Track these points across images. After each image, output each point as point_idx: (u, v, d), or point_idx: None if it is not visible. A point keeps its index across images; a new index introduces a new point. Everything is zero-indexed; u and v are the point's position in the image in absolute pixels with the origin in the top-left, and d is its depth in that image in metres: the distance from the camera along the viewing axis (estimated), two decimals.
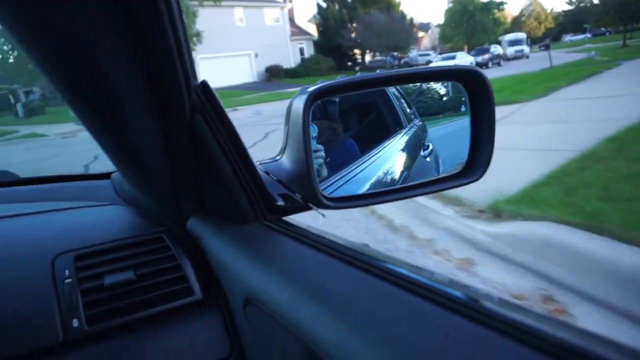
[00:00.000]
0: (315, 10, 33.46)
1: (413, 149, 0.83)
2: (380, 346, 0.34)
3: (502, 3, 32.66)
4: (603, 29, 50.91)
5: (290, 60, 29.98)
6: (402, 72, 0.69)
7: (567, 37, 56.31)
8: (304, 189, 0.62)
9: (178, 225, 0.73)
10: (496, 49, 29.72)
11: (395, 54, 33.65)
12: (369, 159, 0.75)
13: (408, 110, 0.83)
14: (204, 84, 0.58)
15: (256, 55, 28.29)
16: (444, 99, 0.76)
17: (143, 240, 0.67)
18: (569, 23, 62.31)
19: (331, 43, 30.93)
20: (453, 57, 25.44)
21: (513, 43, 31.07)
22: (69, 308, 0.56)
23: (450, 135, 0.75)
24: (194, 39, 22.48)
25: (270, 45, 28.53)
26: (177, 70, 0.50)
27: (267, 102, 18.36)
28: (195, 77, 0.55)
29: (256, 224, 0.63)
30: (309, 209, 0.65)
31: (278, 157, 0.69)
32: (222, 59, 26.74)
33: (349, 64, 34.31)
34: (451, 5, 34.20)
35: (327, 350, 0.38)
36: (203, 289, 0.64)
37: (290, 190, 0.65)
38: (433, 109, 0.78)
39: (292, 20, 31.87)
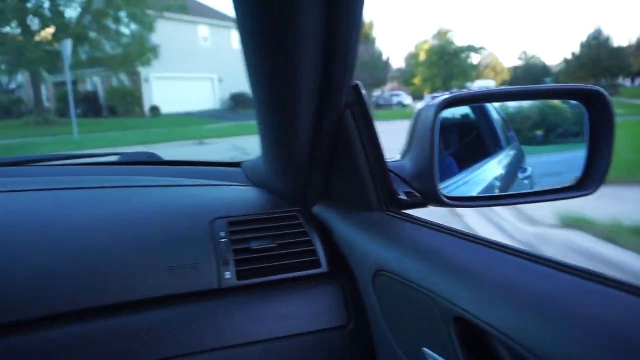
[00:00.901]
0: None
1: (512, 170, 0.85)
2: (521, 312, 0.41)
3: (481, 48, 31.67)
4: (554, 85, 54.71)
5: None
6: (523, 89, 0.75)
7: None
8: (426, 187, 0.70)
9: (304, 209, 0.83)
10: None
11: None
12: (468, 175, 0.80)
13: (508, 133, 0.85)
14: (357, 84, 0.67)
15: (220, 81, 24.77)
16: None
17: (281, 216, 0.77)
18: (519, 77, 64.80)
19: None
20: None
21: None
22: (223, 262, 0.68)
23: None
24: (150, 54, 18.77)
25: (237, 71, 25.15)
26: (348, 69, 0.60)
27: (239, 135, 14.73)
28: (354, 76, 0.63)
29: (379, 212, 0.71)
30: (426, 205, 0.72)
31: (400, 158, 0.76)
32: (181, 80, 22.99)
33: None
34: (427, 46, 32.92)
35: (470, 309, 0.45)
36: (329, 264, 0.72)
37: (411, 188, 0.72)
38: None
39: None
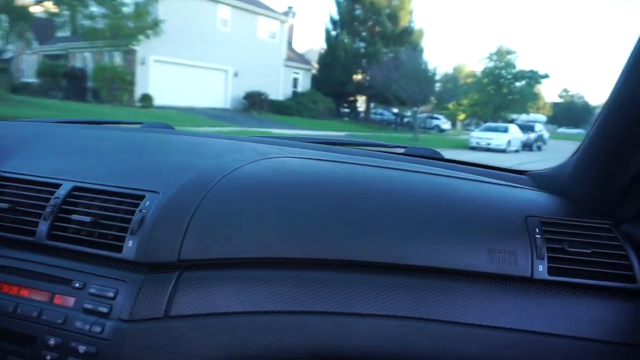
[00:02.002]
0: (312, 44, 25.93)
1: None
2: None
3: (545, 75, 26.94)
4: None
5: (279, 90, 22.47)
6: None
7: (560, 129, 55.01)
8: None
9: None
10: (539, 128, 23.60)
11: (396, 110, 27.51)
12: None
13: None
14: None
15: (235, 75, 20.57)
16: None
17: (595, 226, 0.76)
18: (559, 115, 60.29)
19: (334, 80, 23.90)
20: (505, 130, 18.87)
21: (529, 127, 23.80)
22: (538, 256, 0.72)
23: None
24: (148, 31, 14.61)
25: (257, 66, 20.99)
26: None
27: None
28: None
29: None
30: None
31: None
32: (186, 68, 18.77)
33: (347, 110, 27.41)
34: (468, 70, 28.36)
35: None
36: None
37: None
38: None
39: (289, 43, 24.71)
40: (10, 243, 0.75)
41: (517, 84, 26.90)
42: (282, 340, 0.64)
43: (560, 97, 69.15)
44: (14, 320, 0.67)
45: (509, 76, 26.85)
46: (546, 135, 25.52)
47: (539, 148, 21.87)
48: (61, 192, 0.75)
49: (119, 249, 0.68)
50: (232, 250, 0.68)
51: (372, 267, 0.70)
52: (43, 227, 0.72)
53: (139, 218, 0.69)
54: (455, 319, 0.67)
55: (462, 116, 34.38)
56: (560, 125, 58.13)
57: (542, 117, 34.65)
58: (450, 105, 31.90)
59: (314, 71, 25.78)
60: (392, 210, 0.74)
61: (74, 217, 0.72)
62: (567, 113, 61.64)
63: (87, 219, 0.71)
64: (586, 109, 63.51)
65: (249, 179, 0.77)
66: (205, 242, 0.68)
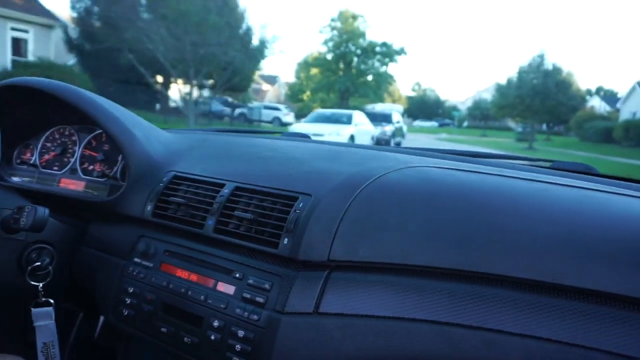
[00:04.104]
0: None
1: None
2: None
3: (401, 50, 21.29)
4: (448, 120, 53.28)
5: None
6: None
7: (416, 122, 54.98)
8: None
9: None
10: (397, 118, 17.87)
11: (230, 99, 20.39)
12: None
13: None
14: None
15: None
16: None
17: None
18: (413, 109, 59.84)
19: (100, 48, 14.97)
20: (347, 120, 12.20)
21: (384, 117, 16.89)
22: None
23: None
24: None
25: None
26: None
27: None
28: None
29: None
30: None
31: None
32: None
33: (145, 98, 18.66)
34: (326, 40, 21.79)
35: None
36: None
37: None
38: None
39: None
40: (183, 234, 0.87)
41: (369, 61, 20.88)
42: (427, 348, 0.65)
43: (414, 90, 69.47)
44: (186, 302, 0.80)
45: (358, 50, 20.64)
46: (404, 128, 20.39)
47: (398, 145, 15.89)
48: (225, 191, 0.85)
49: (275, 245, 0.76)
50: (377, 254, 0.71)
51: (523, 285, 0.65)
52: (210, 221, 0.83)
53: (293, 217, 0.76)
54: (634, 353, 0.57)
55: (317, 107, 28.10)
56: (415, 118, 57.52)
57: (400, 107, 29.92)
58: (304, 96, 25.50)
59: (73, 34, 16.44)
60: (548, 226, 0.68)
61: (236, 213, 0.81)
62: (421, 106, 61.46)
63: (248, 216, 0.80)
64: (437, 102, 64.24)
65: (394, 186, 0.79)
66: (353, 245, 0.72)
